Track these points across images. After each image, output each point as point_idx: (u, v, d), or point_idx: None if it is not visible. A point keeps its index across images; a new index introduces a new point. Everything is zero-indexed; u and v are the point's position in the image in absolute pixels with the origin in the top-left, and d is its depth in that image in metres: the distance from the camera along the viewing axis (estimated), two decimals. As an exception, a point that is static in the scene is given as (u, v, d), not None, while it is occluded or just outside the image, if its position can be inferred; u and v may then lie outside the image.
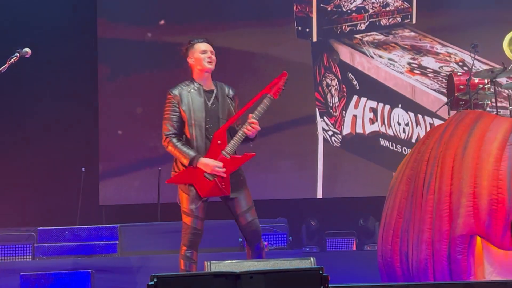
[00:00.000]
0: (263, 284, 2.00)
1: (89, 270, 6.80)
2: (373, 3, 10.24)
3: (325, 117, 9.94)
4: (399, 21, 10.16)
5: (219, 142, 5.03)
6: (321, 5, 10.12)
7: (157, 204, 8.94)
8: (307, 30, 10.06)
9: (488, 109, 7.15)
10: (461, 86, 7.29)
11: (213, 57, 5.16)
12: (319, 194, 9.81)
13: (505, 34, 8.14)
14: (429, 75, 9.86)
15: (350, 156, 9.86)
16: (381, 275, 6.15)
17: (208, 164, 4.98)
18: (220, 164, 4.99)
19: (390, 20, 10.23)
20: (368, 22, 10.09)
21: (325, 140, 9.89)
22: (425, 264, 5.39)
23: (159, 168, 8.88)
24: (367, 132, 9.90)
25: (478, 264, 5.31)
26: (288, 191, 9.74)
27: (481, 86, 7.24)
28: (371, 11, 10.21)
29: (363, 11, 10.22)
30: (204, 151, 5.05)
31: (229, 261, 4.49)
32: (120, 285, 7.09)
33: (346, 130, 9.90)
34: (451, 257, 5.27)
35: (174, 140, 5.05)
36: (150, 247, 7.59)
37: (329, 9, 10.13)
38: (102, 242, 7.67)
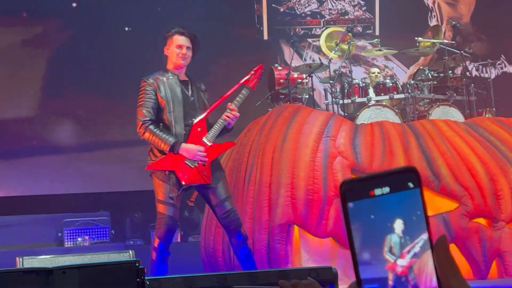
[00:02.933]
0: (76, 279, 1.93)
1: None
2: (330, 9, 10.39)
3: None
4: (360, 31, 10.26)
5: (199, 129, 4.89)
6: (273, 5, 10.18)
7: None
8: (261, 28, 10.12)
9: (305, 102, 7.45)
10: (281, 80, 7.51)
11: (188, 53, 4.99)
12: (144, 186, 9.70)
13: None
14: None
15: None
16: (204, 266, 6.22)
17: (190, 149, 4.80)
18: (202, 148, 4.83)
19: (367, 32, 10.42)
20: (324, 28, 10.21)
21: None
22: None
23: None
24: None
25: (295, 252, 5.52)
26: (111, 183, 9.56)
27: (299, 80, 7.52)
28: (327, 17, 10.35)
29: (318, 16, 10.33)
30: (184, 139, 4.87)
31: (43, 257, 4.25)
32: None
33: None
34: (270, 246, 5.43)
35: (152, 126, 4.82)
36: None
37: (281, 10, 10.21)
38: None
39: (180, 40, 5.00)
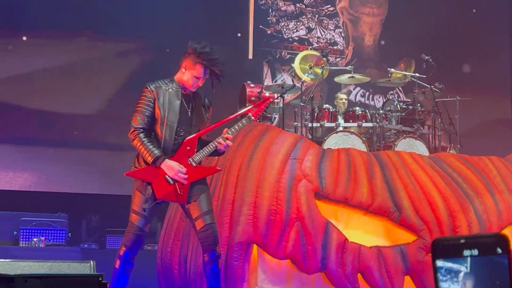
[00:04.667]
0: (38, 288, 1.91)
1: None
2: (318, 37, 10.47)
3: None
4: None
5: (188, 148, 4.82)
6: (260, 26, 10.22)
7: None
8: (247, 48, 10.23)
9: (275, 123, 7.48)
10: (253, 98, 7.52)
11: (201, 83, 4.91)
12: (101, 190, 9.63)
13: None
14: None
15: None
16: (159, 277, 6.17)
17: (172, 167, 4.73)
18: (184, 170, 4.76)
19: (338, 60, 10.51)
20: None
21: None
22: (203, 268, 5.49)
23: None
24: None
25: (252, 271, 5.51)
26: (72, 184, 9.46)
27: (271, 100, 7.55)
28: (315, 45, 10.43)
29: (306, 43, 10.40)
30: (171, 154, 4.80)
31: (2, 260, 4.19)
32: None
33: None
34: (228, 263, 5.42)
35: (142, 135, 4.76)
36: None
37: (268, 32, 10.27)
38: None
39: (202, 71, 4.87)
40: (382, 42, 10.95)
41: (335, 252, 5.49)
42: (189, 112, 4.91)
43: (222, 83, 4.93)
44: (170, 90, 4.89)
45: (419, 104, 7.78)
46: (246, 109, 5.00)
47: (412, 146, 7.15)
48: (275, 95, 7.48)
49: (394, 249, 5.61)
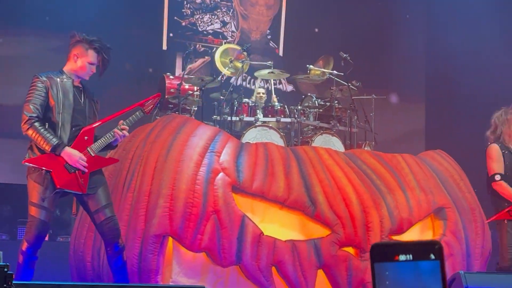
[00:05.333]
0: None
1: None
2: (232, 32, 10.36)
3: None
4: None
5: (86, 137, 4.76)
6: (175, 17, 10.07)
7: None
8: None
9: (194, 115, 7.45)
10: (172, 90, 7.48)
11: (94, 69, 4.91)
12: (16, 180, 9.35)
13: None
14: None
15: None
16: (71, 269, 6.05)
17: (72, 154, 4.65)
18: (85, 158, 4.71)
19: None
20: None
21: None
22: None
23: None
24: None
25: (167, 264, 5.48)
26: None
27: (190, 92, 7.52)
28: (230, 39, 10.30)
29: (220, 37, 10.26)
30: (67, 144, 4.70)
31: None
32: None
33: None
34: (142, 255, 5.36)
35: (37, 124, 4.64)
36: None
37: (183, 24, 10.14)
38: None
39: (95, 57, 4.91)
40: (269, 37, 11.00)
41: (251, 245, 5.52)
42: (82, 103, 4.91)
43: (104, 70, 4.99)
44: (62, 81, 4.87)
45: (336, 101, 7.91)
46: (139, 103, 5.08)
47: (328, 142, 7.26)
48: (195, 88, 7.46)
49: (308, 243, 5.69)
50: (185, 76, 7.81)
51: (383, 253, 1.02)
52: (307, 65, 8.23)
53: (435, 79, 10.59)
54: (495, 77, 9.57)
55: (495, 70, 9.68)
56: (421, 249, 1.01)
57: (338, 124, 7.76)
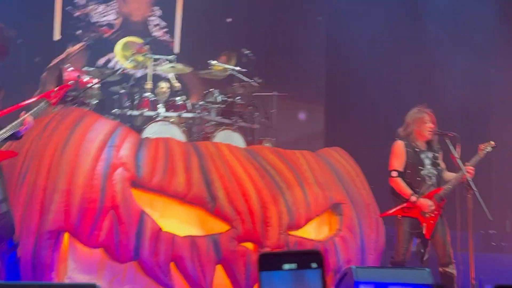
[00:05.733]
0: None
1: None
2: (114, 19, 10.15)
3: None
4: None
5: None
6: (68, 7, 9.88)
7: None
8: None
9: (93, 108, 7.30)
10: (71, 82, 7.29)
11: None
12: None
13: None
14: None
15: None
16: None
17: None
18: None
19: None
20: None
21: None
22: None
23: None
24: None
25: (62, 260, 5.36)
26: None
27: (89, 85, 7.36)
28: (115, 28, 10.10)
29: (114, 27, 10.01)
30: None
31: None
32: None
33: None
34: (36, 252, 5.22)
35: None
36: None
37: (75, 14, 9.93)
38: None
39: None
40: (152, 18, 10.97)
41: (149, 241, 5.48)
42: None
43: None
44: None
45: (238, 97, 7.95)
46: (44, 94, 5.00)
47: (229, 137, 7.29)
48: (93, 80, 7.31)
49: (207, 238, 5.70)
50: (85, 69, 7.64)
51: (270, 262, 1.07)
52: (209, 61, 8.22)
53: (335, 80, 10.80)
54: (397, 80, 9.86)
55: (397, 72, 9.97)
56: (304, 258, 1.08)
57: (240, 120, 7.81)
